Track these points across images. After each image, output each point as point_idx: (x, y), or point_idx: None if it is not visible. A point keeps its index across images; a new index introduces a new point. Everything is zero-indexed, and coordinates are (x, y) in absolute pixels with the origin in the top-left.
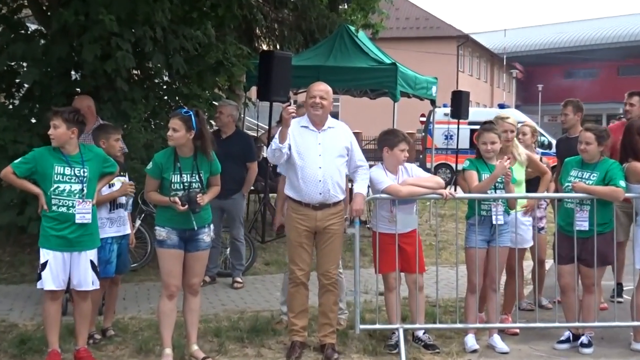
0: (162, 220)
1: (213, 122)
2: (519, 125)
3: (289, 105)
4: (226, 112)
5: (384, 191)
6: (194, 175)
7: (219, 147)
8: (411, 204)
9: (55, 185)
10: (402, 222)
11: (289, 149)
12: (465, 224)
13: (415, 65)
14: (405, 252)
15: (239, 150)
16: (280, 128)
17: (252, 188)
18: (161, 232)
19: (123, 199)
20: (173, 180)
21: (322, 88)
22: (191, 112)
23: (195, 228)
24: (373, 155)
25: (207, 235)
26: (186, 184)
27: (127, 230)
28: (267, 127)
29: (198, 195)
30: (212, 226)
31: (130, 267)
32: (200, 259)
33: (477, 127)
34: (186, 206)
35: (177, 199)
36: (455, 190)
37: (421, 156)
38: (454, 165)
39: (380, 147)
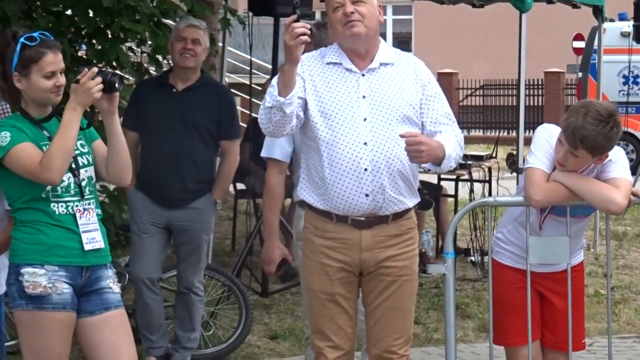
0: (33, 252)
1: (163, 59)
2: None
3: (297, 19)
4: (202, 40)
5: (525, 172)
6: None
7: (167, 107)
8: (579, 218)
9: None
10: (545, 248)
11: (303, 107)
12: None
13: None
14: (552, 308)
15: (208, 117)
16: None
17: (240, 187)
18: (36, 279)
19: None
20: None
21: None
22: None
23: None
24: (481, 120)
25: (113, 282)
26: (71, 161)
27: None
28: (270, 67)
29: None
30: (114, 269)
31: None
32: (120, 326)
33: None
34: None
35: (92, 69)
36: None
37: None
38: None
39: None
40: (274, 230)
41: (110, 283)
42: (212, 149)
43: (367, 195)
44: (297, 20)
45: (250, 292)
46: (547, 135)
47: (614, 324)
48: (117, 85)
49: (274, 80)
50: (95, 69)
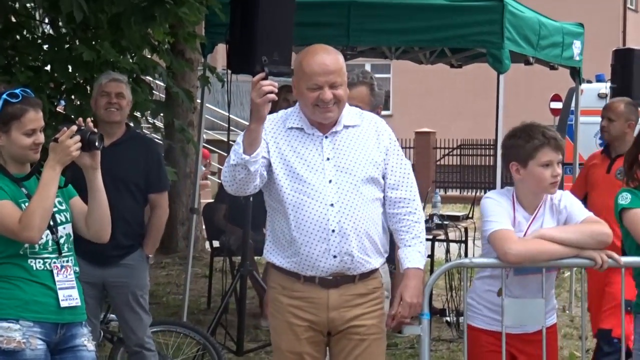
0: (9, 307)
1: (141, 116)
2: None
3: (264, 77)
4: (127, 94)
5: (489, 240)
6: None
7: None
8: (547, 275)
9: None
10: (520, 310)
11: (267, 168)
12: (634, 320)
13: (540, 1)
14: None
15: (136, 171)
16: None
17: (216, 245)
18: (10, 334)
19: None
20: None
21: (330, 67)
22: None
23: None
24: (458, 179)
25: (88, 340)
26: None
27: None
28: (248, 124)
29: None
30: (89, 327)
31: None
32: None
33: None
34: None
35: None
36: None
37: None
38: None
39: (506, 162)
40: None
41: (85, 341)
42: (140, 203)
43: (335, 256)
44: (265, 78)
45: (225, 351)
46: (494, 202)
47: None
48: (97, 143)
49: (239, 138)
50: (74, 127)
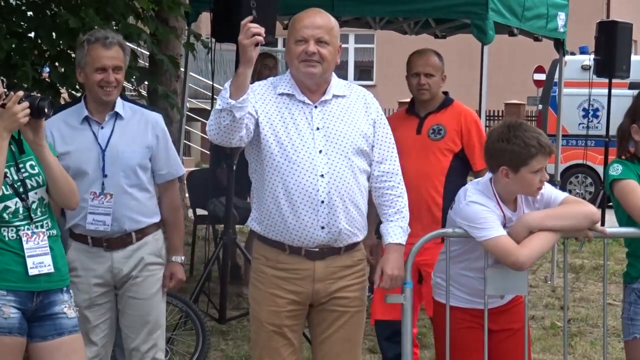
0: None
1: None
2: None
3: (252, 20)
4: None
5: (487, 246)
6: (23, 167)
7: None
8: None
9: None
10: (499, 282)
11: (254, 125)
12: (624, 290)
13: None
14: (503, 344)
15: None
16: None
17: (200, 213)
18: None
19: None
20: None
21: (318, 22)
22: None
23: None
24: None
25: (68, 307)
26: (18, 185)
27: None
28: None
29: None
30: (71, 292)
31: None
32: (74, 352)
33: None
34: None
35: (18, 93)
36: (601, 220)
37: None
38: (600, 169)
39: (494, 165)
40: None
41: (65, 308)
42: None
43: (322, 227)
44: (252, 22)
45: (208, 318)
46: (481, 207)
47: (570, 357)
48: (46, 110)
49: (227, 84)
50: (20, 93)
